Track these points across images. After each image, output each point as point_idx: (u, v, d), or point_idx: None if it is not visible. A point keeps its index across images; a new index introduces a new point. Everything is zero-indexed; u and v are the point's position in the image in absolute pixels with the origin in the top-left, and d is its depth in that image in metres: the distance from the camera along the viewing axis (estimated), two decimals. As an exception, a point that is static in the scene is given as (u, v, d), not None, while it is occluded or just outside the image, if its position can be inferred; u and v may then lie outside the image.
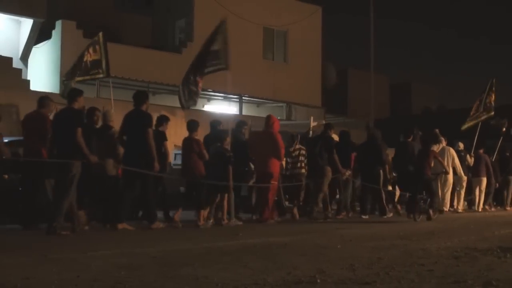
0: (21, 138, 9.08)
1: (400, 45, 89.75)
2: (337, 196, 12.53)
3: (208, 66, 10.60)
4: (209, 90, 21.09)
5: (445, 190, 13.90)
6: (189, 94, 10.58)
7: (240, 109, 22.51)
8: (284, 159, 11.31)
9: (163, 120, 10.12)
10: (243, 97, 22.61)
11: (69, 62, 19.54)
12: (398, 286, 4.18)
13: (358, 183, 12.56)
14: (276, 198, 10.80)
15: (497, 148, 16.38)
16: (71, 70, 12.14)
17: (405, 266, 5.04)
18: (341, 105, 31.07)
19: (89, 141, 8.10)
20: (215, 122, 11.05)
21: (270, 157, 10.42)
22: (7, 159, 8.17)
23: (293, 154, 11.43)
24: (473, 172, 15.11)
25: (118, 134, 9.08)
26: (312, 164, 11.38)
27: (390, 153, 13.24)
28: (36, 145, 8.37)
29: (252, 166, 11.06)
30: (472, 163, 15.12)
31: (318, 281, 4.29)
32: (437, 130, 14.20)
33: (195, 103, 10.85)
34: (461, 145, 15.23)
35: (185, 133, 9.97)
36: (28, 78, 18.07)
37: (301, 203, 11.65)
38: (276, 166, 10.55)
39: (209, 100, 22.87)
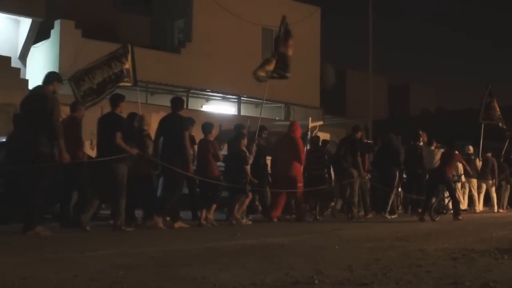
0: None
1: (399, 46, 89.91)
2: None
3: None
4: (208, 90, 21.12)
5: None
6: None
7: (239, 109, 22.53)
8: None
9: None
10: (242, 98, 22.62)
11: (68, 61, 19.59)
12: (396, 287, 4.18)
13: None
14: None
15: (504, 149, 16.61)
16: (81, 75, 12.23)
17: (403, 267, 5.05)
18: (340, 106, 31.09)
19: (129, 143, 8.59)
20: (239, 125, 11.48)
21: (292, 160, 10.97)
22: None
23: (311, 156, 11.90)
24: (479, 175, 15.46)
25: (154, 137, 9.51)
26: (337, 167, 11.92)
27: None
28: (72, 149, 8.41)
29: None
30: (481, 166, 15.47)
31: (316, 282, 4.29)
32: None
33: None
34: (471, 149, 15.65)
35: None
36: (27, 78, 18.05)
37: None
38: (299, 169, 11.11)
39: (207, 100, 22.89)
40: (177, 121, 9.23)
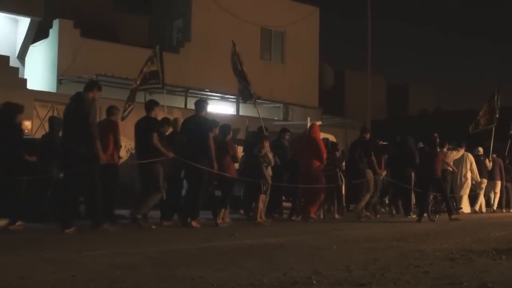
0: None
1: (397, 46, 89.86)
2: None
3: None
4: (206, 90, 21.09)
5: (461, 193, 14.82)
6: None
7: (237, 109, 22.50)
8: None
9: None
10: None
11: (66, 61, 19.60)
12: (394, 288, 4.19)
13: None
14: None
15: (507, 150, 16.76)
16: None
17: (401, 267, 5.05)
18: (338, 106, 31.07)
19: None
20: (260, 128, 11.69)
21: (314, 160, 11.43)
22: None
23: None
24: (488, 176, 15.73)
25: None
26: (353, 169, 12.27)
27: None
28: (109, 150, 8.72)
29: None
30: (491, 167, 15.72)
31: (314, 282, 4.29)
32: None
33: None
34: (481, 150, 15.96)
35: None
36: (25, 77, 18.01)
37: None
38: (320, 169, 11.58)
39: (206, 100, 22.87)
40: (202, 122, 9.54)
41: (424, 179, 11.98)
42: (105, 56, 19.80)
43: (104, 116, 9.55)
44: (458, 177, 14.69)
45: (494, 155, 15.96)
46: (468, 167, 14.88)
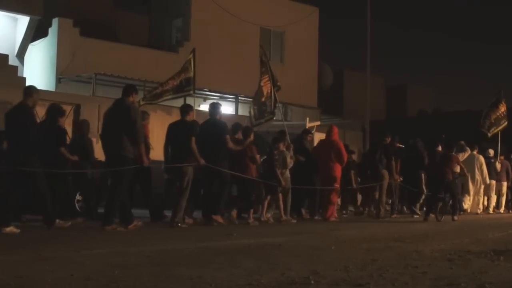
0: None
1: (396, 47, 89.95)
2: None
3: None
4: (205, 89, 21.08)
5: (472, 194, 15.25)
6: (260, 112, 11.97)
7: (236, 109, 22.50)
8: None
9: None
10: (239, 97, 22.60)
11: (65, 60, 19.61)
12: (392, 288, 4.19)
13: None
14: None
15: None
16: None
17: (399, 268, 5.05)
18: (337, 106, 31.09)
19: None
20: (281, 131, 11.88)
21: (334, 162, 11.77)
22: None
23: None
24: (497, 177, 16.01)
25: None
26: (373, 170, 12.71)
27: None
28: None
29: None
30: (500, 168, 16.00)
31: (312, 282, 4.29)
32: (462, 142, 15.27)
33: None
34: (491, 152, 16.16)
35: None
36: (24, 76, 18.02)
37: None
38: (339, 170, 11.93)
39: (205, 100, 22.84)
40: (218, 125, 9.86)
41: (437, 179, 12.12)
42: (104, 55, 19.81)
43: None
44: (469, 179, 14.92)
45: (502, 157, 16.21)
46: (478, 168, 15.20)
